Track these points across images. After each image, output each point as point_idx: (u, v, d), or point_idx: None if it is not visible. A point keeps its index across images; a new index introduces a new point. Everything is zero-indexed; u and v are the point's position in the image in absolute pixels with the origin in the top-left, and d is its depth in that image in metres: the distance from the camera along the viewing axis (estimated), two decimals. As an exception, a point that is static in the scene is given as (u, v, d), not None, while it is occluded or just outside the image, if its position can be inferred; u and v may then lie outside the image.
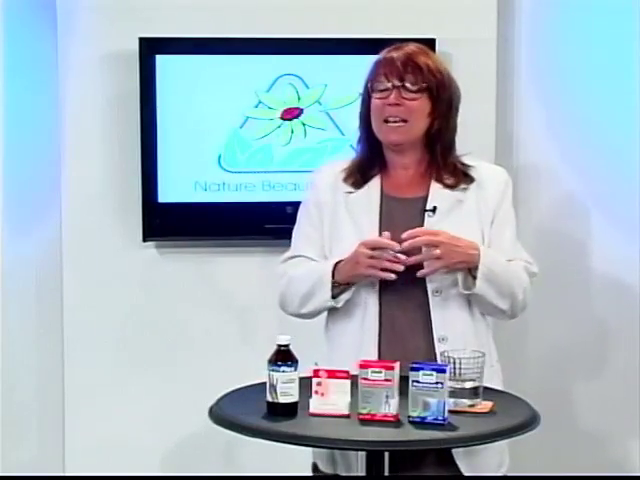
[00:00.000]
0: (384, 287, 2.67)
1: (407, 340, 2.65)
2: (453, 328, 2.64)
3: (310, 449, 2.76)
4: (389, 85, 2.68)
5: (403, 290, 2.66)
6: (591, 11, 3.76)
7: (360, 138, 2.79)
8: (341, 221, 2.74)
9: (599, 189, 3.80)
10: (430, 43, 3.45)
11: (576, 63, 3.79)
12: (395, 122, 2.67)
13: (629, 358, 3.79)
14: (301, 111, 3.71)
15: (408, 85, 2.67)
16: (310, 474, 2.84)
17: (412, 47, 2.73)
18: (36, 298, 3.82)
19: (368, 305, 2.68)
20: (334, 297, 2.67)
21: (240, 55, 3.69)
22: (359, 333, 2.68)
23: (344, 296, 2.68)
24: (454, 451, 2.61)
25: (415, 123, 2.68)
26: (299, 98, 3.71)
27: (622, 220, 3.77)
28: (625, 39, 3.72)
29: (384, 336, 2.67)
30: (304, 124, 3.72)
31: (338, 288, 2.68)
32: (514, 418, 2.36)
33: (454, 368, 2.38)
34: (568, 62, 3.81)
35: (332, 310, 2.75)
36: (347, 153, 3.57)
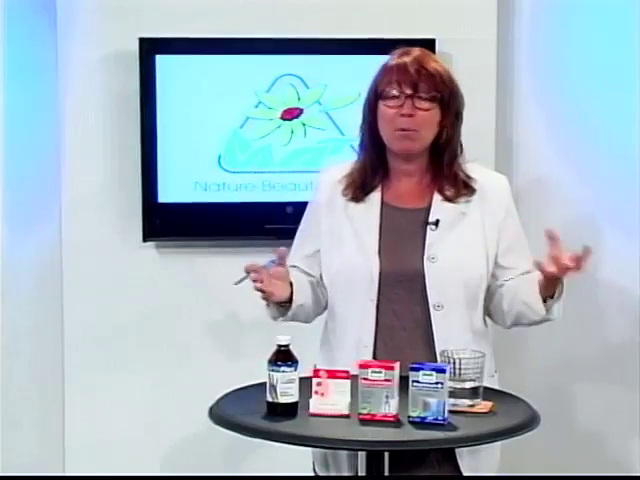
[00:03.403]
0: (382, 300, 2.65)
1: (406, 354, 2.57)
2: (455, 343, 2.57)
3: (310, 450, 2.76)
4: (401, 94, 2.63)
5: (403, 304, 2.65)
6: (591, 11, 3.76)
7: (363, 143, 2.74)
8: (341, 226, 2.71)
9: (600, 192, 3.79)
10: (430, 43, 3.47)
11: (576, 64, 3.79)
12: (407, 131, 2.64)
13: (629, 359, 3.79)
14: (301, 111, 3.71)
15: (421, 94, 2.63)
16: (310, 474, 2.84)
17: (418, 52, 2.69)
18: (36, 298, 3.82)
19: (365, 317, 2.65)
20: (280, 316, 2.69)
21: (240, 55, 3.69)
22: (355, 346, 2.66)
23: (289, 313, 2.68)
24: (457, 450, 2.61)
25: (426, 133, 2.65)
26: (299, 98, 3.71)
27: (624, 224, 3.76)
28: (625, 39, 3.71)
29: (381, 349, 2.64)
30: (304, 124, 3.71)
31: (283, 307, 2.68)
32: (514, 418, 2.36)
33: (454, 368, 2.38)
34: (568, 63, 3.80)
35: (330, 319, 2.75)
36: (348, 154, 3.60)
